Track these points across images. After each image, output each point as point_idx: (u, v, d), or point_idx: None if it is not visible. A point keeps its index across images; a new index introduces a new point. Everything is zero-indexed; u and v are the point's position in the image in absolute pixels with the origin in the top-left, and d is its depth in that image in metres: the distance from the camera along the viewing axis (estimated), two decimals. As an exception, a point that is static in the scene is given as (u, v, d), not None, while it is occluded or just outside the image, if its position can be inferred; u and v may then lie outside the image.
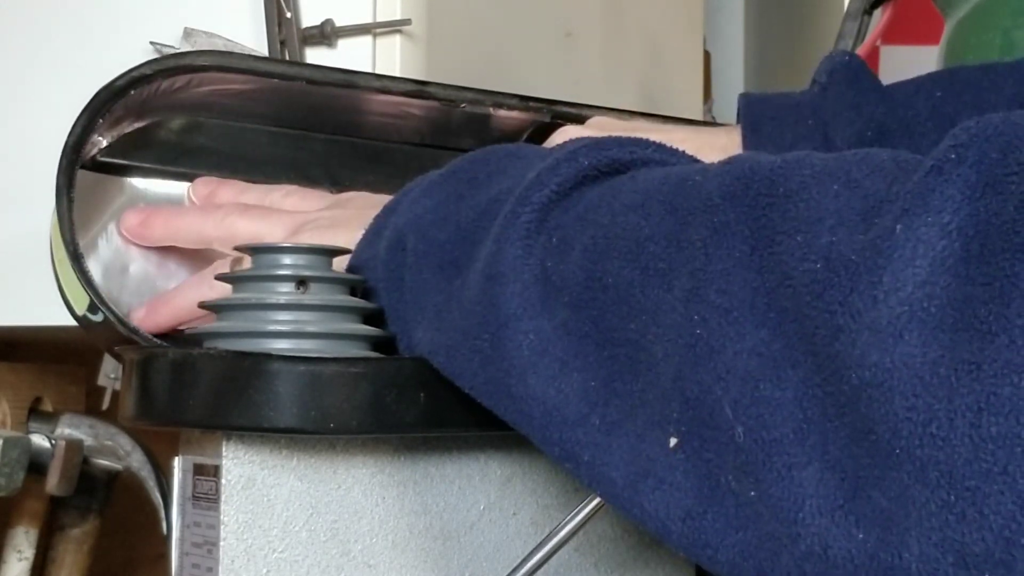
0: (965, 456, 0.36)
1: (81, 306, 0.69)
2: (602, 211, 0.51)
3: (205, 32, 0.84)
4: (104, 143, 0.73)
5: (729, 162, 0.48)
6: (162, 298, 0.72)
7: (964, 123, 0.40)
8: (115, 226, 0.75)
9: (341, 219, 0.68)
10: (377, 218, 0.65)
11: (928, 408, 0.37)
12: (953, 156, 0.39)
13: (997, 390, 0.36)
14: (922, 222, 0.39)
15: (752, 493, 0.42)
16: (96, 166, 0.74)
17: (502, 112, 0.78)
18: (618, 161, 0.54)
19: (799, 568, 0.41)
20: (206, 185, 0.76)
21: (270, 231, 0.69)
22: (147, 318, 0.70)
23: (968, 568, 0.36)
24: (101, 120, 0.69)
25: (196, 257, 0.75)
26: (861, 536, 0.39)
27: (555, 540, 0.58)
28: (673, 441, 0.44)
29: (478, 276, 0.54)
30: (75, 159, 0.69)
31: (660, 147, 0.56)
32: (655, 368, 0.46)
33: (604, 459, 0.47)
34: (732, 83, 1.71)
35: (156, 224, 0.73)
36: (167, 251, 0.75)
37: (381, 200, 0.66)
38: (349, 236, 0.65)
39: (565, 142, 0.57)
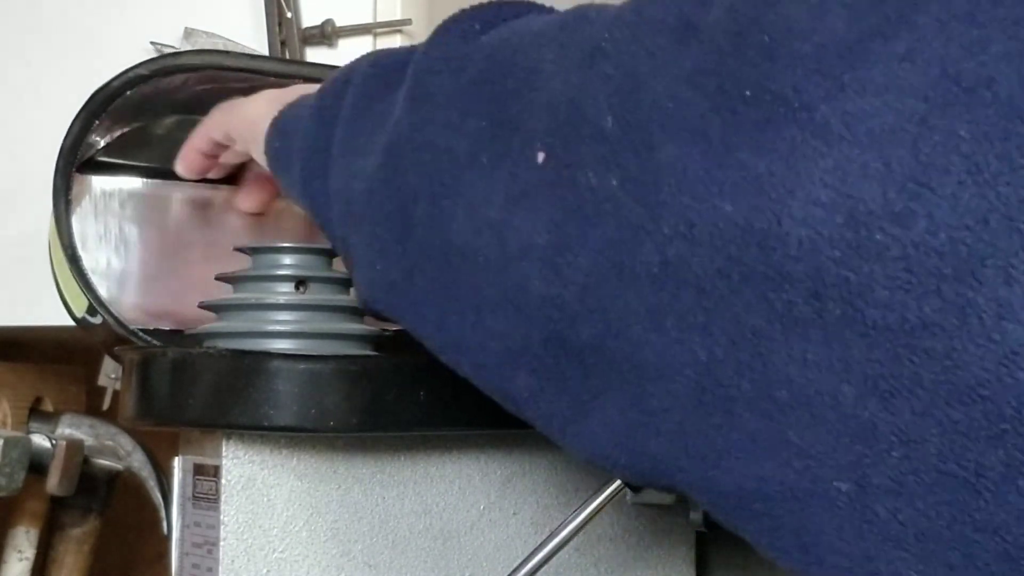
0: (875, 106, 0.35)
1: (80, 308, 0.68)
2: (514, 32, 0.53)
3: (205, 32, 0.84)
4: (102, 144, 0.73)
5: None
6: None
7: None
8: (115, 226, 0.75)
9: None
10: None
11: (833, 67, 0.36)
12: None
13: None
14: None
15: (614, 183, 0.42)
16: (95, 167, 0.74)
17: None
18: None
19: (661, 254, 0.40)
20: None
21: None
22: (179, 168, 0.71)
23: (858, 226, 0.35)
24: (98, 122, 0.69)
25: (195, 257, 0.75)
26: (729, 208, 0.38)
27: (555, 540, 0.58)
28: (541, 156, 0.46)
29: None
30: (72, 160, 0.68)
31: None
32: (533, 93, 0.47)
33: (488, 195, 0.48)
34: (733, 83, 1.71)
35: (186, 161, 0.72)
36: (164, 251, 0.75)
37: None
38: None
39: None
